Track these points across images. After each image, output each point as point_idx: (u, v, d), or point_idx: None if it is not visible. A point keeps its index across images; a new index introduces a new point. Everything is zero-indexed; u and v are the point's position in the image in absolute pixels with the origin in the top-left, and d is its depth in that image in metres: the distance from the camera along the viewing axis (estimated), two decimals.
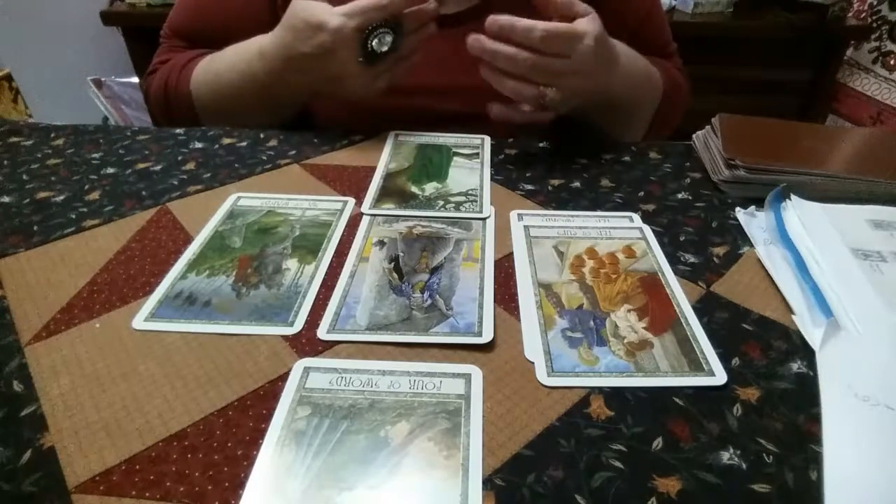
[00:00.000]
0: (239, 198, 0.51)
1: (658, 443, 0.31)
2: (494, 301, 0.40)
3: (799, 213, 0.48)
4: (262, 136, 0.62)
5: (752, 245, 0.47)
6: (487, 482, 0.28)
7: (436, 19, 0.56)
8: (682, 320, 0.39)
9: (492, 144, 0.61)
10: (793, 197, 0.50)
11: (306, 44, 0.54)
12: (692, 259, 0.45)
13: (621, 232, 0.48)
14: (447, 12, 0.66)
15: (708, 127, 0.60)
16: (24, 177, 0.53)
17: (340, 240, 0.46)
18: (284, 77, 0.58)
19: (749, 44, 1.63)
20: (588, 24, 0.52)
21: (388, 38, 0.54)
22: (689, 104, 0.76)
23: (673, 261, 0.44)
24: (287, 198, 0.51)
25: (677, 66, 0.75)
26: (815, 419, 0.32)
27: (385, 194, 0.52)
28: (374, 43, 0.54)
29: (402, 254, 0.44)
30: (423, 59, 0.63)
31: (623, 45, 0.61)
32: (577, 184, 0.55)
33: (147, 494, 0.28)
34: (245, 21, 0.64)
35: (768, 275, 0.43)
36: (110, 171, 0.55)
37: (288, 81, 0.59)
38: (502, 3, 0.61)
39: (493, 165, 0.57)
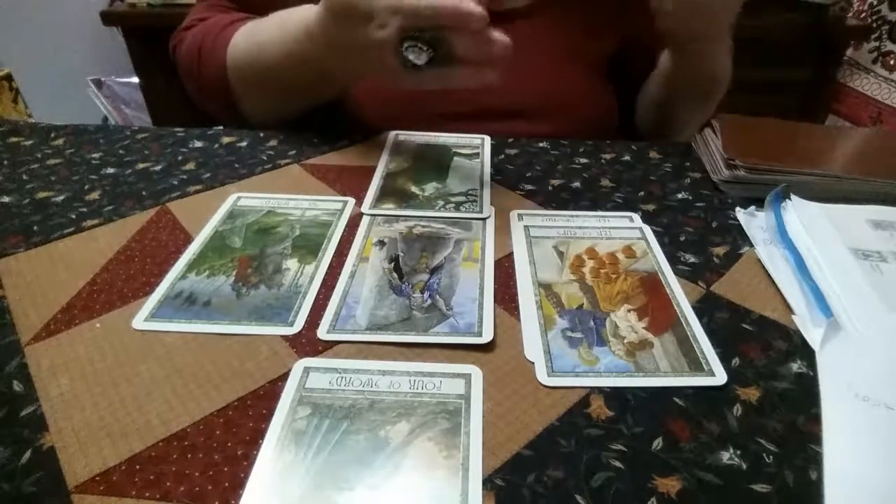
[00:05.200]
0: (239, 198, 0.51)
1: (658, 443, 0.31)
2: (494, 301, 0.40)
3: (799, 213, 0.48)
4: (262, 135, 0.62)
5: (752, 245, 0.47)
6: (487, 482, 0.28)
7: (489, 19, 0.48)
8: (682, 320, 0.39)
9: (492, 144, 0.61)
10: (793, 197, 0.50)
11: (347, 34, 0.48)
12: (692, 259, 0.45)
13: (621, 232, 0.48)
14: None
15: (708, 127, 0.60)
16: (24, 177, 0.53)
17: (340, 240, 0.46)
18: (334, 64, 0.53)
19: (749, 44, 1.63)
20: None
21: (423, 55, 0.47)
22: None
23: (673, 261, 0.44)
24: (287, 198, 0.51)
25: None
26: (815, 419, 0.32)
27: (385, 194, 0.52)
28: (409, 56, 0.47)
29: (402, 254, 0.44)
30: None
31: None
32: (577, 184, 0.55)
33: (147, 494, 0.28)
34: None
35: (768, 275, 0.43)
36: (110, 171, 0.55)
37: (338, 68, 0.54)
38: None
39: (493, 165, 0.57)
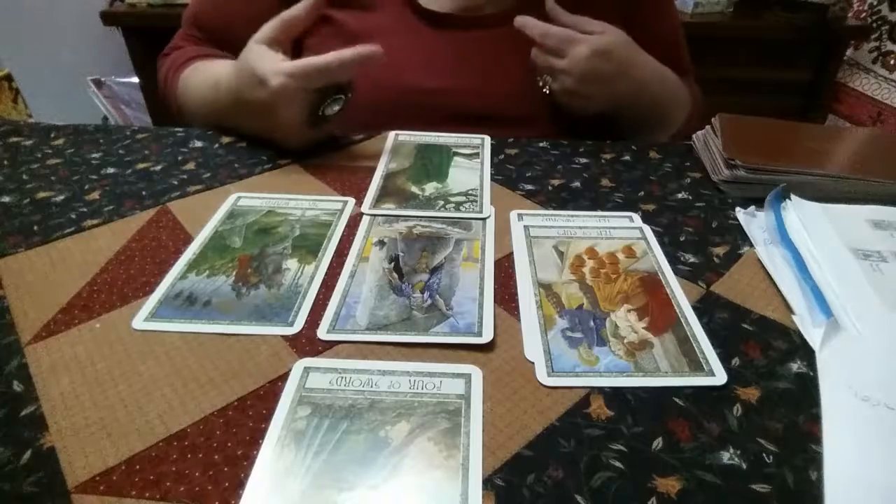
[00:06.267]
0: (239, 198, 0.51)
1: (658, 443, 0.31)
2: (494, 301, 0.40)
3: (799, 213, 0.48)
4: None
5: (752, 245, 0.47)
6: (487, 482, 0.28)
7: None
8: (682, 320, 0.39)
9: (492, 144, 0.61)
10: (793, 197, 0.50)
11: (250, 93, 0.53)
12: (692, 259, 0.45)
13: (621, 232, 0.48)
14: (445, 10, 0.66)
15: (708, 127, 0.60)
16: (24, 177, 0.53)
17: (340, 240, 0.46)
18: (232, 116, 0.60)
19: (749, 44, 1.63)
20: (591, 36, 0.59)
21: (337, 106, 0.55)
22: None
23: (673, 261, 0.44)
24: (287, 198, 0.51)
25: (695, 93, 0.77)
26: (815, 419, 0.32)
27: (385, 194, 0.52)
28: (325, 110, 0.54)
29: (402, 254, 0.44)
30: (417, 59, 0.64)
31: (652, 62, 0.64)
32: (577, 184, 0.55)
33: (147, 494, 0.28)
34: (255, 23, 0.60)
35: (768, 275, 0.43)
36: (110, 171, 0.55)
37: (236, 120, 0.60)
38: (501, 16, 0.64)
39: (493, 165, 0.57)
